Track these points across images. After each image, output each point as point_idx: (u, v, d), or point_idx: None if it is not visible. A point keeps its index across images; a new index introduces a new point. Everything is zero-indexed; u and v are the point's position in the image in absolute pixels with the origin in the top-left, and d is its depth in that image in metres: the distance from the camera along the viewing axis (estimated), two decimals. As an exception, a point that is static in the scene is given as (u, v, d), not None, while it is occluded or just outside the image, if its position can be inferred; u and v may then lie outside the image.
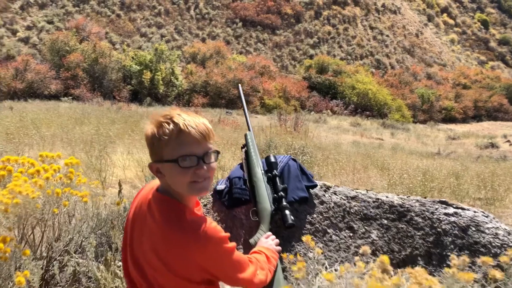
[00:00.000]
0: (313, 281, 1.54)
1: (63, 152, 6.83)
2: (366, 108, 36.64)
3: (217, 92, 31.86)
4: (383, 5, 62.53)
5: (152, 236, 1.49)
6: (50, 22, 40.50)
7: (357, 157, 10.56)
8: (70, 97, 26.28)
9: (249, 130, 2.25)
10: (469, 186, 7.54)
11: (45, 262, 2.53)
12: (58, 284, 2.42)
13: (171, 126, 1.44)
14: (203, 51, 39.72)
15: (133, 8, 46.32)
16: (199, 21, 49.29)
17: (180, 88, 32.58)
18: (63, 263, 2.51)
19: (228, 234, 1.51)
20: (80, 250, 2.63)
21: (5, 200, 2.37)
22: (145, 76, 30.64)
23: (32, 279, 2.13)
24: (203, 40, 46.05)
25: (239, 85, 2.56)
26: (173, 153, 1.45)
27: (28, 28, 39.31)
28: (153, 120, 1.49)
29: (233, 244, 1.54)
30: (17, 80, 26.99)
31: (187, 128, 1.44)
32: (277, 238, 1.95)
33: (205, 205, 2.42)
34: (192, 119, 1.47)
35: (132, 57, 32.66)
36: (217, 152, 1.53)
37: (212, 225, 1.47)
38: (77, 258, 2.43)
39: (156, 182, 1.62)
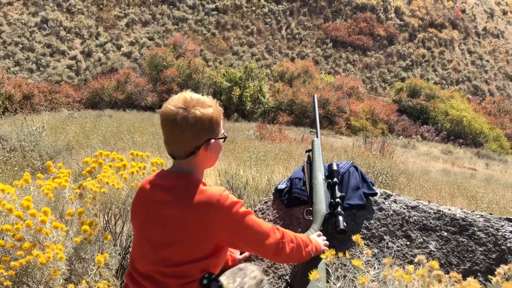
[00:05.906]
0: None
1: (152, 156, 7.28)
2: (459, 135, 34.58)
3: (302, 111, 31.98)
4: (484, 29, 59.08)
5: (170, 210, 1.58)
6: (150, 39, 43.53)
7: (445, 186, 10.01)
8: (164, 109, 27.77)
9: (317, 137, 2.39)
10: None
11: (123, 250, 2.75)
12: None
13: (220, 108, 1.68)
14: (291, 70, 40.10)
15: (228, 28, 48.26)
16: (290, 41, 50.04)
17: (266, 106, 33.17)
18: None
19: (242, 201, 1.61)
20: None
21: (94, 189, 2.63)
22: (235, 92, 31.63)
23: (111, 262, 2.32)
24: (292, 59, 46.61)
25: (315, 95, 2.70)
26: (222, 131, 1.70)
27: (131, 43, 42.59)
28: (207, 103, 1.62)
29: (248, 209, 1.64)
30: (118, 91, 29.20)
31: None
32: (332, 239, 2.00)
33: (265, 203, 2.52)
34: None
35: (223, 74, 33.92)
36: None
37: (225, 193, 1.58)
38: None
39: (149, 177, 1.74)
